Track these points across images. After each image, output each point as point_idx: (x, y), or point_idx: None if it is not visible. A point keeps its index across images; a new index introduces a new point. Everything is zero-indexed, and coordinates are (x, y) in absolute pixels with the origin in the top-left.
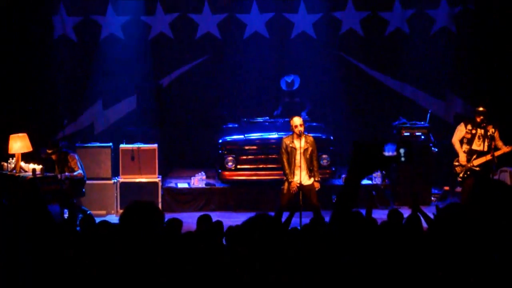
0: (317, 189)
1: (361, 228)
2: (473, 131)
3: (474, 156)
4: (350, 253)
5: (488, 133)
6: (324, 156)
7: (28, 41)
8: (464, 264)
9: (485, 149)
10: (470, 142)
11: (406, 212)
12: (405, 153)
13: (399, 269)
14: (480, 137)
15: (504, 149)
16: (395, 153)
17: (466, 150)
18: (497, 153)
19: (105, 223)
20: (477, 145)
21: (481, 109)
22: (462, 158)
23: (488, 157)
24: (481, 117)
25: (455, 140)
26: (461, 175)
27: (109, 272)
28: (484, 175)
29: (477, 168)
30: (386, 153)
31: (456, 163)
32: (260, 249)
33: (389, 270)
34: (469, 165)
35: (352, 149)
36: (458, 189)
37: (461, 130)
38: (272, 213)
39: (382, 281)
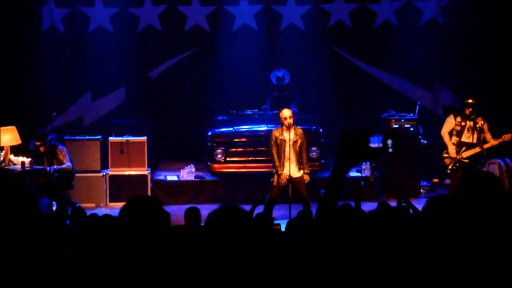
0: (306, 181)
1: (349, 221)
2: (462, 123)
3: (464, 148)
4: (338, 247)
5: (477, 125)
6: (313, 148)
7: (16, 32)
8: (453, 255)
9: (475, 141)
10: (459, 134)
11: (395, 204)
12: (392, 143)
13: (389, 261)
14: (470, 129)
15: (492, 142)
16: (381, 144)
17: (455, 142)
18: (485, 146)
19: (95, 216)
20: (466, 137)
21: (470, 101)
22: (452, 150)
23: (477, 149)
24: (470, 109)
25: (444, 132)
26: (450, 167)
27: (101, 267)
28: (473, 167)
29: (466, 160)
30: (373, 144)
31: (445, 155)
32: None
33: (378, 262)
34: (458, 157)
35: (339, 139)
36: (447, 181)
37: (450, 122)
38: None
39: (372, 274)
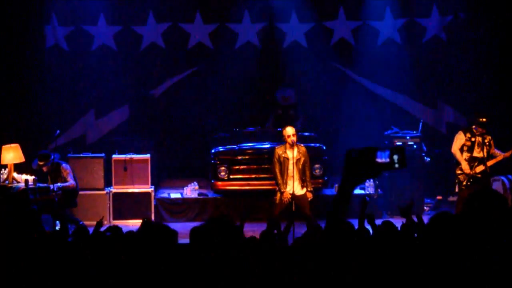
0: (310, 199)
1: (351, 239)
2: (472, 139)
3: (476, 163)
4: (342, 264)
5: (485, 141)
6: (316, 165)
7: (20, 50)
8: (455, 272)
9: (485, 155)
10: (470, 150)
11: (398, 222)
12: (398, 160)
13: (393, 278)
14: (479, 144)
15: (504, 154)
16: (388, 160)
17: (467, 158)
18: (493, 161)
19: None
20: (477, 152)
21: (484, 120)
22: (465, 166)
23: (492, 162)
24: (484, 126)
25: (456, 149)
26: (464, 183)
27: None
28: (485, 181)
29: (479, 175)
30: (379, 160)
31: (459, 172)
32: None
33: (383, 279)
34: (472, 173)
35: (344, 157)
36: (451, 198)
37: (460, 139)
38: (265, 224)
39: None
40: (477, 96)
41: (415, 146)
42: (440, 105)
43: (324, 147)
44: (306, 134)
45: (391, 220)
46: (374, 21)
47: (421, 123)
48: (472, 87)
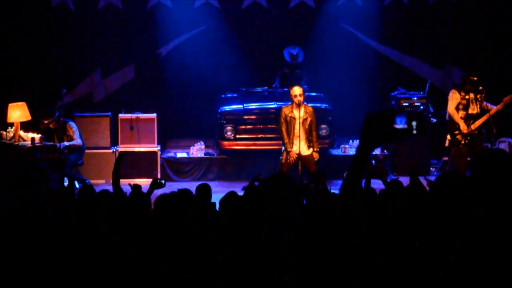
0: (316, 159)
1: (359, 198)
2: (467, 97)
3: (471, 121)
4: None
5: (478, 96)
6: (323, 126)
7: (25, 9)
8: (460, 233)
9: (479, 111)
10: (466, 107)
11: (405, 181)
12: (417, 125)
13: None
14: (473, 101)
15: (496, 108)
16: (406, 125)
17: (462, 116)
18: (491, 112)
19: (106, 192)
20: (471, 110)
21: (475, 78)
22: (463, 126)
23: (485, 117)
24: (475, 85)
25: (452, 108)
26: (462, 142)
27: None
28: (480, 138)
29: (476, 131)
30: (398, 125)
31: (457, 132)
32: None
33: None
34: (468, 130)
35: (363, 120)
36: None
37: (456, 98)
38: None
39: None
40: (485, 57)
41: (422, 107)
42: (447, 66)
43: (331, 108)
44: (313, 94)
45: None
46: None
47: (428, 84)
48: (480, 48)
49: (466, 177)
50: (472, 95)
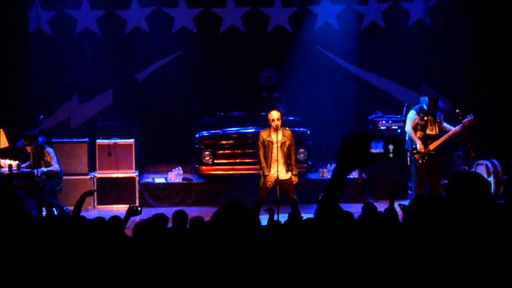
0: (294, 183)
1: (342, 223)
2: (425, 118)
3: (429, 142)
4: (334, 247)
5: (436, 117)
6: (301, 150)
7: (3, 35)
8: (435, 255)
9: (437, 132)
10: (424, 128)
11: (382, 206)
12: (393, 150)
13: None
14: (432, 122)
15: (451, 132)
16: (383, 150)
17: (420, 136)
18: (445, 137)
19: (83, 219)
20: (430, 130)
21: (433, 102)
22: (421, 145)
23: (442, 139)
24: (434, 107)
25: (410, 128)
26: (420, 161)
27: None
28: (438, 161)
29: (433, 152)
30: (374, 149)
31: (415, 151)
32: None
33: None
34: (426, 150)
35: (340, 143)
36: None
37: (414, 118)
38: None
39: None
40: (461, 79)
41: (399, 131)
42: (424, 88)
43: (309, 132)
44: (291, 118)
45: (376, 204)
46: (358, 5)
47: (405, 107)
48: (456, 70)
49: (440, 200)
50: (431, 117)
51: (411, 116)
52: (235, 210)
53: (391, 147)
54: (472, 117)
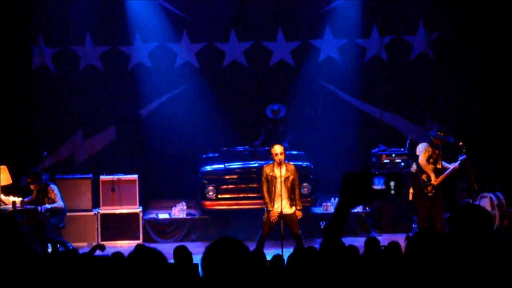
0: (299, 217)
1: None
2: (436, 151)
3: (438, 175)
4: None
5: (441, 153)
6: (304, 184)
7: (6, 71)
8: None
9: (442, 166)
10: (435, 162)
11: (386, 239)
12: (394, 186)
13: None
14: (439, 156)
15: (454, 166)
16: (384, 186)
17: (432, 170)
18: (445, 175)
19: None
20: (438, 165)
21: (443, 133)
22: (434, 178)
23: (446, 175)
24: (441, 140)
25: (425, 161)
26: (429, 194)
27: None
28: (442, 191)
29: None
30: (376, 186)
31: (429, 183)
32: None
33: None
34: (435, 183)
35: (342, 179)
36: None
37: (429, 151)
38: (254, 243)
39: None
40: (464, 111)
41: (402, 164)
42: (428, 121)
43: (312, 166)
44: (294, 152)
45: (379, 238)
46: (361, 39)
47: (408, 140)
48: (459, 103)
49: (443, 234)
50: (438, 150)
51: (425, 148)
52: (224, 247)
53: (392, 183)
54: (465, 157)
